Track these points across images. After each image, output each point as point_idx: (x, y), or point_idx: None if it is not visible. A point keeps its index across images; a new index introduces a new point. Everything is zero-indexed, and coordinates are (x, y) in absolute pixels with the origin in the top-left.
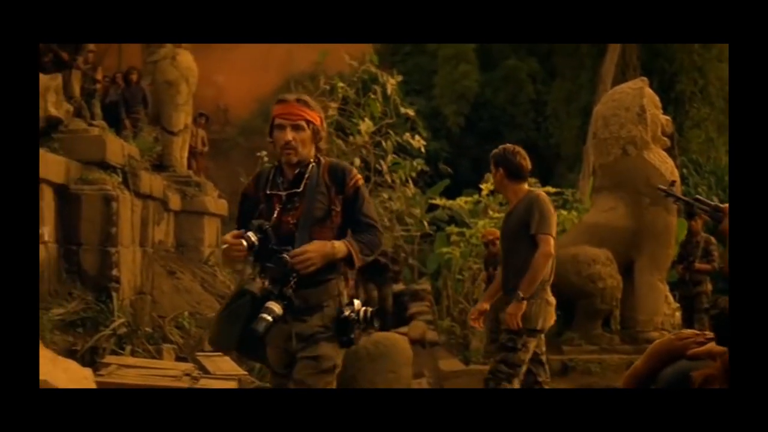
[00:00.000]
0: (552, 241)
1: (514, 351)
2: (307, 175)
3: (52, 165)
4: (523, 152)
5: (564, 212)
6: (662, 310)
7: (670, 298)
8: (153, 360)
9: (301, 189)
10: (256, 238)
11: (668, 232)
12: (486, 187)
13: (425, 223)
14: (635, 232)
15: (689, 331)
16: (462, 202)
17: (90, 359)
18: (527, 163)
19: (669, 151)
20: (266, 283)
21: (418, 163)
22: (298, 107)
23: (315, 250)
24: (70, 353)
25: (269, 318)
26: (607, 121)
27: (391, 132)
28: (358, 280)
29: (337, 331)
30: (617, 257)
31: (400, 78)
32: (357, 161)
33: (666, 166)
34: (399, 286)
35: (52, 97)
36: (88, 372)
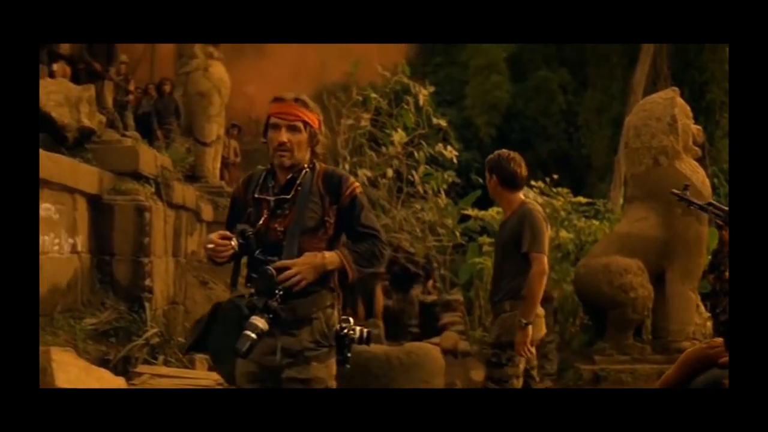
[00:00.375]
0: (545, 260)
1: (500, 366)
2: (299, 181)
3: (85, 175)
4: (518, 159)
5: (596, 222)
6: (694, 319)
7: (702, 307)
8: (185, 370)
9: (291, 195)
10: (236, 243)
11: (700, 242)
12: None
13: (457, 234)
14: (667, 241)
15: (720, 339)
16: (494, 213)
17: (123, 369)
18: (522, 171)
19: (700, 160)
20: (249, 294)
21: (450, 174)
22: (295, 107)
23: (304, 263)
24: (103, 363)
25: (253, 335)
26: (639, 131)
27: (423, 143)
28: (384, 289)
29: (336, 349)
30: (649, 267)
31: (432, 89)
32: (389, 172)
33: (697, 175)
34: (431, 296)
35: (85, 108)
36: (120, 381)
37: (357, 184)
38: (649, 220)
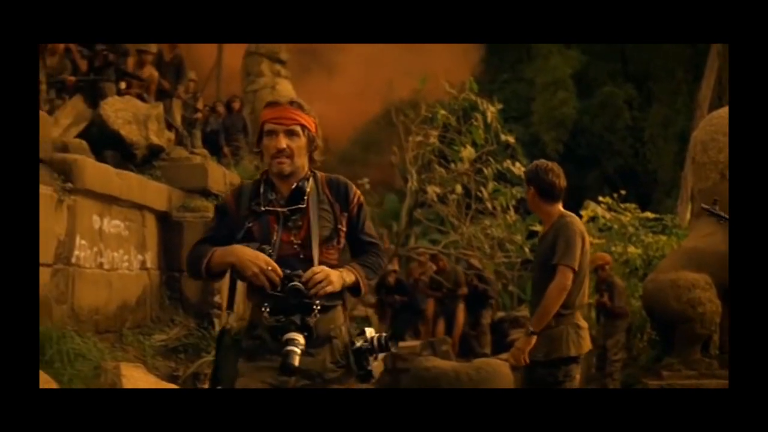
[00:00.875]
0: (570, 275)
1: (559, 384)
2: (307, 190)
3: (154, 192)
4: (557, 170)
5: (663, 238)
6: None
7: None
8: None
9: (304, 205)
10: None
11: None
12: (585, 213)
13: (526, 250)
14: None
15: None
16: None
17: (192, 384)
18: (560, 182)
19: None
20: (267, 314)
21: (518, 191)
22: (291, 110)
23: (330, 271)
24: (171, 379)
25: (297, 350)
26: (706, 146)
27: (491, 159)
28: (457, 306)
29: (355, 365)
30: (716, 282)
31: (500, 105)
32: (458, 188)
33: None
34: (499, 313)
35: (154, 126)
36: None
37: (359, 192)
38: (717, 235)
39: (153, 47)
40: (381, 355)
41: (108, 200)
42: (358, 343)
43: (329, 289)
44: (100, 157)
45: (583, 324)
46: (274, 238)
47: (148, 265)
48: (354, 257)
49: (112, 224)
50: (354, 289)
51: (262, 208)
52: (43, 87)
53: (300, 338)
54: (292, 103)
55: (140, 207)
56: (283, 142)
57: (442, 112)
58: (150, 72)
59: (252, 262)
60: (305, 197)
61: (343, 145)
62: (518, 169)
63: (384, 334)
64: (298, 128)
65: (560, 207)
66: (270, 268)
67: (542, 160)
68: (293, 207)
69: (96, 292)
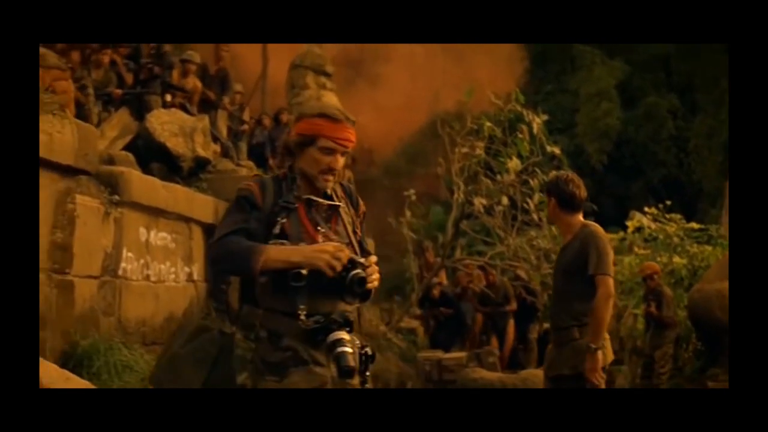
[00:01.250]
0: (612, 282)
1: None
2: (338, 191)
3: (200, 204)
4: (577, 181)
5: (708, 248)
6: None
7: None
8: None
9: (338, 204)
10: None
11: None
12: (631, 224)
13: None
14: None
15: None
16: None
17: None
18: (581, 192)
19: None
20: (306, 318)
21: None
22: (351, 131)
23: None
24: None
25: (349, 349)
26: None
27: (537, 170)
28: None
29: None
30: None
31: (545, 117)
32: (504, 200)
33: None
34: (545, 325)
35: (200, 138)
36: None
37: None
38: None
39: (197, 57)
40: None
41: (154, 213)
42: (368, 350)
43: (377, 284)
44: (146, 170)
45: (606, 335)
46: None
47: (195, 277)
48: None
49: (159, 236)
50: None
51: (295, 204)
52: (91, 99)
53: (346, 335)
54: (349, 120)
55: (187, 219)
56: (340, 162)
57: (488, 123)
58: (194, 83)
59: (319, 253)
60: (338, 196)
61: (389, 157)
62: None
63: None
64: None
65: (581, 217)
66: (339, 251)
67: (562, 171)
68: (333, 204)
69: (143, 304)
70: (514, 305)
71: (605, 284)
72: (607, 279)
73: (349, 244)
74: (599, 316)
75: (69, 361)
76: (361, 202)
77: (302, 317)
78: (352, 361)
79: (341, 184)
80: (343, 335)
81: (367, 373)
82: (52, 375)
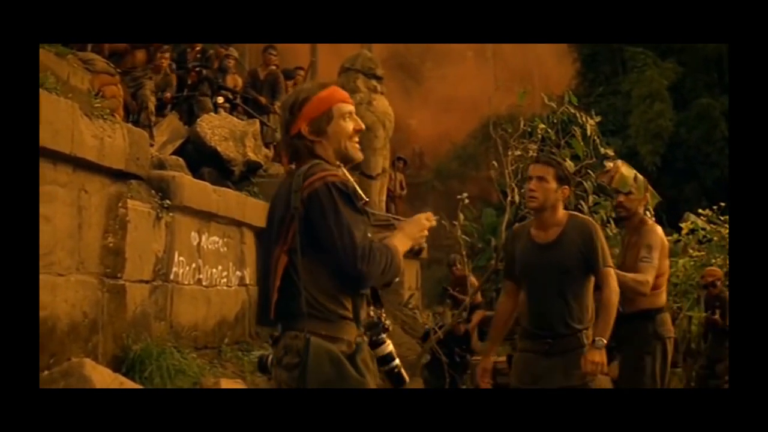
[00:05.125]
0: (614, 272)
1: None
2: None
3: (252, 209)
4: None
5: None
6: None
7: None
8: None
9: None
10: None
11: None
12: (685, 226)
13: None
14: None
15: None
16: None
17: None
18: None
19: None
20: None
21: None
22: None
23: None
24: None
25: (398, 361)
26: None
27: (591, 172)
28: None
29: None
30: None
31: (599, 119)
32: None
33: None
34: None
35: (251, 142)
36: None
37: None
38: None
39: (235, 53)
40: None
41: (206, 217)
42: (387, 351)
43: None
44: (196, 174)
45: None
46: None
47: (247, 281)
48: None
49: (211, 241)
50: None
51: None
52: (153, 100)
53: (391, 346)
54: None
55: (239, 223)
56: (361, 121)
57: (542, 125)
58: (235, 81)
59: (418, 229)
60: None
61: (440, 160)
62: None
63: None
64: None
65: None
66: (428, 218)
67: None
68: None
69: (194, 308)
70: None
71: (612, 277)
72: (612, 271)
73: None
74: (612, 310)
75: (121, 365)
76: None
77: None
78: (406, 377)
79: None
80: (389, 348)
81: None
82: (105, 379)
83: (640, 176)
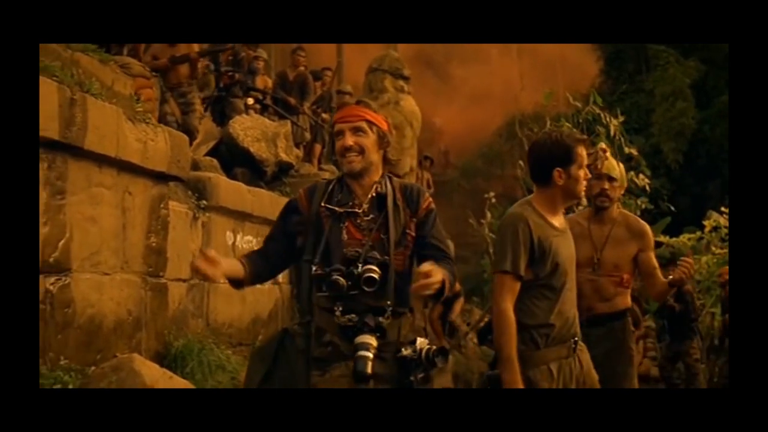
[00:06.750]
0: None
1: None
2: (382, 191)
3: None
4: None
5: None
6: None
7: None
8: None
9: (380, 206)
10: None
11: None
12: (708, 223)
13: None
14: None
15: None
16: (685, 239)
17: None
18: None
19: None
20: (340, 314)
21: (642, 201)
22: (357, 108)
23: (439, 271)
24: None
25: (370, 354)
26: None
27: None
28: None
29: (397, 374)
30: None
31: (623, 118)
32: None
33: None
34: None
35: (282, 143)
36: None
37: (431, 198)
38: None
39: (263, 53)
40: (441, 368)
41: (241, 217)
42: (405, 352)
43: (427, 293)
44: (229, 175)
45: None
46: (345, 237)
47: (280, 279)
48: (420, 260)
49: (245, 240)
50: (438, 292)
51: (337, 209)
52: (198, 101)
53: (372, 341)
54: (358, 102)
55: (271, 223)
56: (350, 139)
57: (567, 125)
58: (264, 82)
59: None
60: (381, 199)
61: (466, 159)
62: (642, 180)
63: (433, 347)
64: (364, 124)
65: None
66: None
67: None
68: (372, 213)
69: (230, 306)
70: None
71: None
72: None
73: (398, 245)
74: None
75: (163, 361)
76: (425, 201)
77: (338, 313)
78: (368, 369)
79: (404, 186)
80: (369, 340)
81: (413, 378)
82: (154, 374)
83: (621, 164)
